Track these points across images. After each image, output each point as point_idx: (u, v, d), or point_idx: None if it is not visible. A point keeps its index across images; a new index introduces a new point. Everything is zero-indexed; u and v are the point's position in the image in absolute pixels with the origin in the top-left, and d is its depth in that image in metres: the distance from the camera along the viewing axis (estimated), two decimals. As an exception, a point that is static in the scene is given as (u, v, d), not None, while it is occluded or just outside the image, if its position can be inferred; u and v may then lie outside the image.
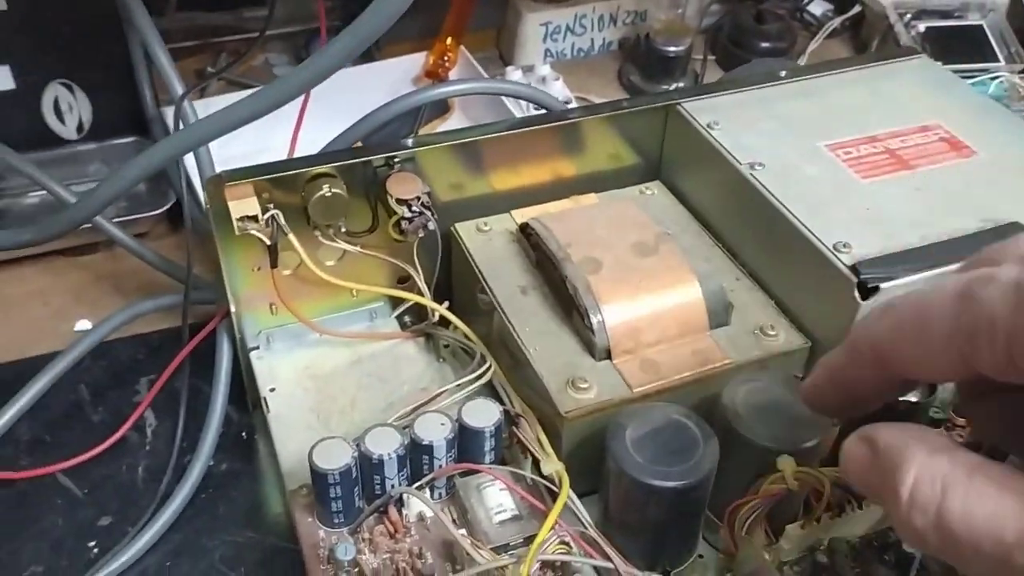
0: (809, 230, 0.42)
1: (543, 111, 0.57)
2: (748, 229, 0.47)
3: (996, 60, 0.75)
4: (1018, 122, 0.50)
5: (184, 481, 0.46)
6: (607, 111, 0.50)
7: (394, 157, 0.46)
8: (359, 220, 0.48)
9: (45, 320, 0.56)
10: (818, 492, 0.36)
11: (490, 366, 0.44)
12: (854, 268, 0.40)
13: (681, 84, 0.76)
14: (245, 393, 0.51)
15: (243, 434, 0.50)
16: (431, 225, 0.45)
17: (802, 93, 0.52)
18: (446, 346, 0.50)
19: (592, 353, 0.42)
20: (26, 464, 0.48)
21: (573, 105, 0.72)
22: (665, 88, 0.76)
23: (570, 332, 0.43)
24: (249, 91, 0.67)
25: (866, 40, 0.82)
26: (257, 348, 0.50)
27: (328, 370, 0.49)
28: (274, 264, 0.45)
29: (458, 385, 0.44)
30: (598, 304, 0.42)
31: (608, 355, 0.42)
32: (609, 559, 0.36)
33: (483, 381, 0.44)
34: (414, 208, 0.45)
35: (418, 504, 0.40)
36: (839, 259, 0.41)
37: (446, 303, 0.49)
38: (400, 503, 0.40)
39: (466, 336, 0.47)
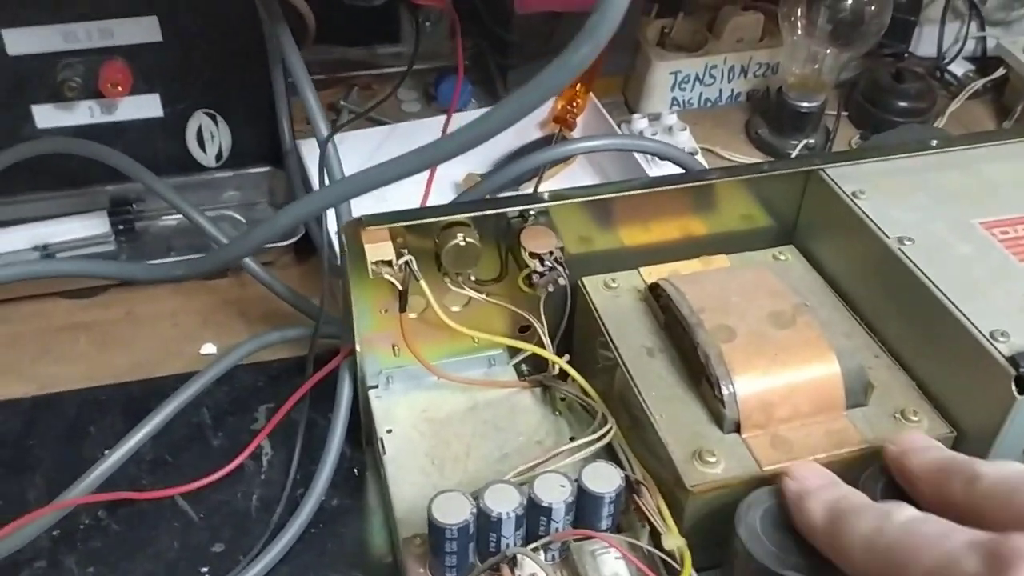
0: (964, 314, 0.40)
1: (676, 168, 0.56)
2: (892, 306, 0.45)
3: None
4: None
5: (296, 515, 0.47)
6: (746, 174, 0.48)
7: (529, 210, 0.46)
8: (488, 269, 0.47)
9: (173, 341, 0.58)
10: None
11: (611, 428, 0.43)
12: (1013, 360, 0.38)
13: (811, 140, 0.74)
14: (358, 428, 0.51)
15: (355, 470, 0.51)
16: (562, 280, 0.45)
17: (954, 164, 0.50)
18: (563, 399, 0.49)
19: (720, 425, 0.40)
20: (147, 484, 0.49)
21: (699, 156, 0.71)
22: (795, 143, 0.74)
23: (698, 401, 0.42)
24: (380, 127, 0.70)
25: (1009, 105, 0.79)
26: (376, 387, 0.50)
27: (444, 414, 0.49)
28: (403, 308, 0.45)
29: (578, 445, 0.43)
30: (730, 374, 0.40)
31: (737, 428, 0.40)
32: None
33: (604, 443, 0.43)
34: (546, 262, 0.44)
35: (531, 565, 0.39)
36: (996, 348, 0.38)
37: (566, 356, 0.48)
38: (513, 563, 0.39)
39: (585, 393, 0.46)
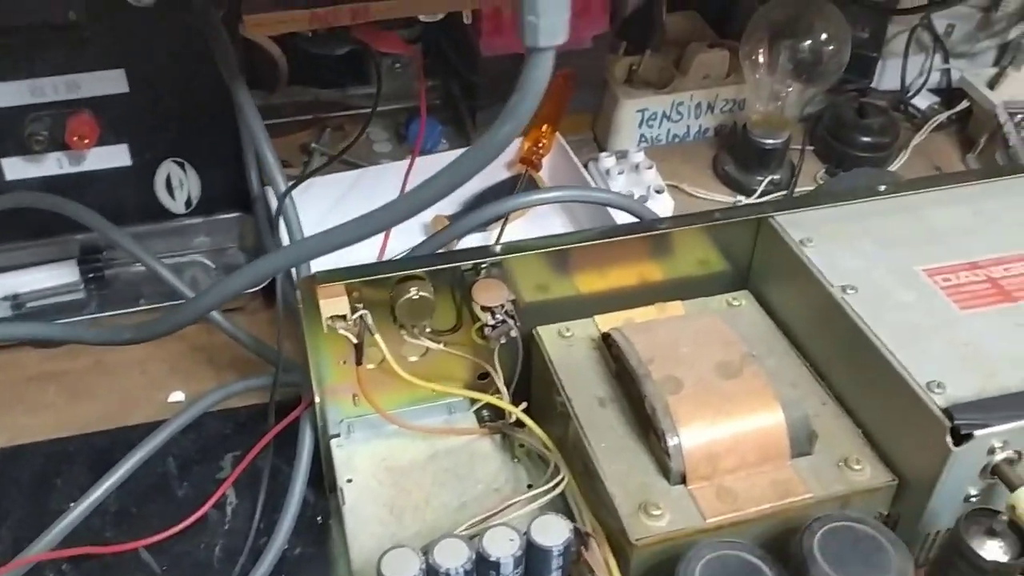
0: (902, 364, 0.41)
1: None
2: (837, 354, 0.45)
3: (1117, 166, 0.71)
4: None
5: (258, 566, 0.48)
6: (698, 223, 0.49)
7: (482, 263, 0.47)
8: (444, 319, 0.48)
9: (141, 390, 0.58)
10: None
11: (563, 478, 0.44)
12: (948, 412, 0.38)
13: (776, 176, 0.75)
14: (323, 476, 0.52)
15: (318, 518, 0.51)
16: (513, 333, 0.46)
17: (901, 210, 0.51)
18: (521, 446, 0.50)
19: (667, 476, 0.41)
20: (111, 537, 0.49)
21: (665, 194, 0.72)
22: (760, 179, 0.75)
23: (646, 451, 0.43)
24: (350, 172, 0.71)
25: (973, 137, 0.80)
26: (338, 436, 0.51)
27: (405, 463, 0.50)
28: (359, 361, 0.46)
29: (529, 496, 0.44)
30: (676, 427, 0.41)
31: (683, 480, 0.41)
32: None
33: (555, 493, 0.44)
34: (497, 315, 0.45)
35: (482, 619, 0.40)
36: (932, 400, 0.39)
37: (524, 404, 0.49)
38: (464, 617, 0.40)
39: (542, 442, 0.47)
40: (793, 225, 0.49)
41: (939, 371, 0.40)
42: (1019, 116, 0.74)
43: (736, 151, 0.76)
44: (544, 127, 0.72)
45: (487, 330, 0.45)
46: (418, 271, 0.46)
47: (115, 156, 0.61)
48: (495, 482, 0.48)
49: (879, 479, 0.41)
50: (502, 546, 0.39)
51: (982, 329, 0.43)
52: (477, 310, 0.45)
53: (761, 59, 0.71)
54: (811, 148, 0.79)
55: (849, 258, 0.47)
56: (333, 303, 0.44)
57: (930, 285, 0.45)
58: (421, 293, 0.45)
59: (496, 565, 0.39)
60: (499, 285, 0.46)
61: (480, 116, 0.77)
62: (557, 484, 0.44)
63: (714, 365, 0.44)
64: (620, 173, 0.73)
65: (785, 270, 0.49)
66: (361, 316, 0.44)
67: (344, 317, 0.44)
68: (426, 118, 0.76)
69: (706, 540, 0.38)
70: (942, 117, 0.81)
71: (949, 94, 0.84)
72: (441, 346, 0.48)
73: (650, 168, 0.74)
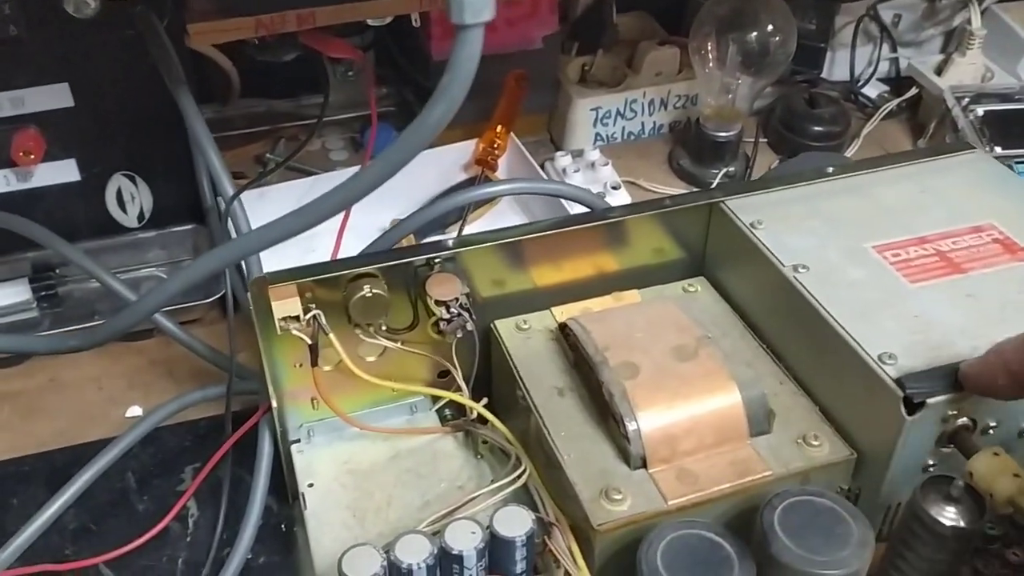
0: (854, 338, 0.41)
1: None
2: (792, 332, 0.46)
3: (1061, 144, 0.73)
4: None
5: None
6: (648, 210, 0.50)
7: (435, 258, 0.46)
8: (401, 317, 0.48)
9: (98, 406, 0.57)
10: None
11: (524, 470, 0.44)
12: (900, 382, 0.39)
13: (731, 168, 0.76)
14: (286, 482, 0.51)
15: (282, 526, 0.51)
16: (469, 326, 0.46)
17: (850, 190, 0.51)
18: (484, 442, 0.49)
19: (627, 461, 0.41)
20: (71, 554, 0.48)
21: (621, 190, 0.73)
22: (715, 172, 0.75)
23: (606, 438, 0.43)
24: (306, 179, 0.70)
25: (923, 123, 0.81)
26: (298, 441, 0.50)
27: (367, 465, 0.49)
28: (314, 363, 0.45)
29: (492, 489, 0.44)
30: (634, 412, 0.41)
31: (644, 464, 0.41)
32: None
33: (517, 485, 0.44)
34: (452, 309, 0.45)
35: (447, 614, 0.39)
36: (884, 371, 0.39)
37: (484, 400, 0.48)
38: (429, 612, 0.39)
39: (503, 436, 0.47)
40: (743, 209, 0.49)
41: (890, 343, 0.41)
42: (965, 100, 0.75)
43: (690, 145, 0.77)
44: (499, 128, 0.72)
45: (442, 324, 0.45)
46: (371, 268, 0.45)
47: (63, 171, 0.60)
48: (458, 479, 0.48)
49: (838, 454, 0.42)
50: (464, 539, 0.39)
51: (932, 301, 0.43)
52: (432, 305, 0.45)
53: (710, 53, 0.72)
54: (765, 140, 0.80)
55: (799, 238, 0.47)
56: (285, 304, 0.44)
57: (880, 261, 0.46)
58: (375, 290, 0.45)
59: (459, 558, 0.39)
60: (453, 279, 0.46)
61: (435, 120, 0.76)
62: (519, 476, 0.44)
63: (670, 349, 0.44)
64: (576, 171, 0.74)
65: (738, 253, 0.49)
66: (314, 316, 0.44)
67: (297, 318, 0.44)
68: (381, 124, 0.76)
69: (667, 521, 0.38)
70: (892, 105, 0.82)
71: (898, 82, 0.86)
72: (399, 344, 0.48)
73: (606, 165, 0.74)
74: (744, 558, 0.36)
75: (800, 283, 0.44)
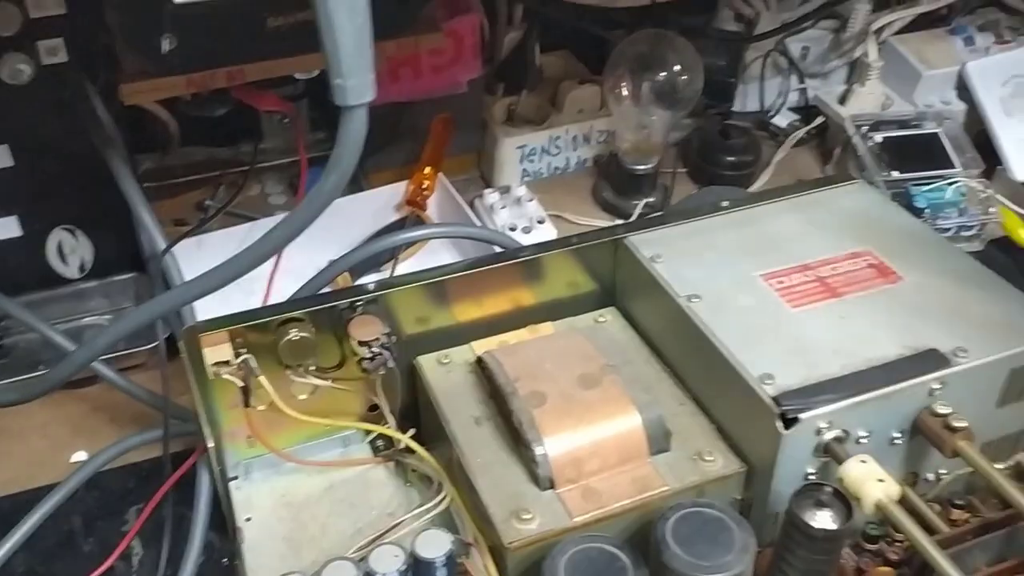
0: (738, 362, 0.45)
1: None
2: (689, 357, 0.50)
3: (952, 167, 0.78)
4: (945, 246, 0.53)
5: (164, 611, 0.49)
6: (556, 248, 0.53)
7: (357, 301, 0.50)
8: (329, 357, 0.51)
9: (44, 452, 0.60)
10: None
11: (445, 495, 0.47)
12: (776, 400, 0.43)
13: (651, 199, 0.80)
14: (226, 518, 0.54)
15: (224, 560, 0.53)
16: (390, 363, 0.49)
17: (742, 222, 0.55)
18: (413, 471, 0.52)
19: (537, 483, 0.45)
20: (19, 597, 0.51)
21: (547, 223, 0.77)
22: (636, 203, 0.80)
23: (518, 462, 0.46)
24: (243, 225, 0.73)
25: (831, 149, 0.86)
26: (236, 478, 0.53)
27: (302, 497, 0.52)
28: (247, 403, 0.48)
29: (416, 514, 0.47)
30: (541, 437, 0.45)
31: (552, 485, 0.44)
32: None
33: (439, 510, 0.47)
34: (374, 349, 0.48)
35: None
36: (764, 391, 0.43)
37: (412, 431, 0.52)
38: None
39: (428, 464, 0.50)
40: (644, 244, 0.53)
41: (770, 365, 0.45)
42: (864, 127, 0.80)
43: (612, 178, 0.81)
44: (427, 170, 0.76)
45: (365, 363, 0.49)
46: (296, 313, 0.49)
47: (5, 228, 0.63)
48: (388, 507, 0.51)
49: (729, 468, 0.45)
50: (387, 562, 0.42)
51: (810, 324, 0.48)
52: (354, 346, 0.49)
53: (623, 92, 0.76)
54: (684, 170, 0.85)
55: (694, 270, 0.51)
56: (216, 350, 0.47)
57: (766, 288, 0.50)
58: (301, 334, 0.48)
59: (382, 581, 0.42)
60: (374, 321, 0.49)
61: (369, 162, 0.80)
62: (440, 501, 0.47)
63: (576, 378, 0.48)
64: (503, 207, 0.78)
65: (641, 286, 0.53)
66: (245, 360, 0.47)
67: (228, 362, 0.47)
68: (316, 168, 0.80)
69: (570, 537, 0.41)
70: (800, 133, 0.87)
71: (807, 111, 0.91)
72: (329, 383, 0.51)
73: (531, 200, 0.78)
74: (639, 567, 0.40)
75: (693, 312, 0.48)
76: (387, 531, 0.46)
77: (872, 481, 0.41)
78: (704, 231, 0.55)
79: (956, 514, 0.47)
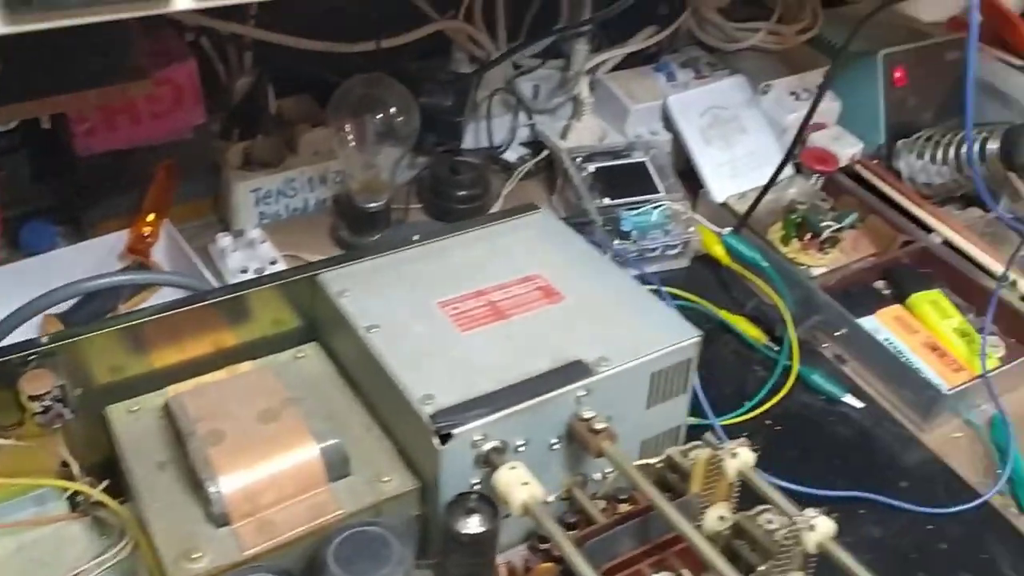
0: (404, 385, 0.48)
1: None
2: (372, 384, 0.53)
3: (657, 191, 0.86)
4: (608, 267, 0.59)
5: None
6: (246, 289, 0.55)
7: (30, 355, 0.49)
8: (7, 415, 0.50)
9: None
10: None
11: (125, 544, 0.48)
12: (433, 418, 0.46)
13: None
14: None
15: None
16: (67, 415, 0.49)
17: (430, 255, 0.59)
18: (109, 524, 0.52)
19: (213, 521, 0.46)
20: None
21: (279, 263, 0.78)
22: (371, 240, 0.82)
23: (197, 503, 0.47)
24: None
25: (556, 180, 0.93)
26: (-83, 548, 0.51)
27: (-9, 561, 0.51)
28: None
29: (97, 563, 0.47)
30: (215, 475, 0.46)
31: (227, 521, 0.46)
32: None
33: (119, 559, 0.47)
34: (45, 402, 0.48)
35: None
36: (423, 411, 0.47)
37: (105, 483, 0.51)
38: None
39: (116, 514, 0.50)
40: (334, 280, 0.56)
41: (432, 386, 0.48)
42: (579, 159, 0.87)
43: (347, 217, 0.84)
44: (150, 216, 0.75)
45: (38, 418, 0.48)
46: (-39, 372, 0.48)
47: None
48: (80, 562, 0.51)
49: (404, 487, 0.48)
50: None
51: (475, 346, 0.52)
52: (25, 401, 0.48)
53: (347, 134, 0.79)
54: (419, 206, 0.88)
55: (377, 302, 0.54)
56: None
57: (440, 315, 0.54)
58: (-32, 393, 0.47)
59: (45, 636, 0.42)
60: (46, 374, 0.49)
61: (91, 213, 0.79)
62: (121, 549, 0.47)
63: (256, 414, 0.49)
64: (235, 251, 0.78)
65: (331, 319, 0.55)
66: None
67: None
68: (39, 220, 0.78)
69: (234, 571, 0.43)
70: (528, 166, 0.93)
71: (537, 146, 0.97)
72: (11, 440, 0.50)
73: (264, 242, 0.79)
74: (296, 592, 0.42)
75: (370, 341, 0.51)
76: (66, 585, 0.46)
77: (518, 486, 0.45)
78: (394, 265, 0.58)
79: (622, 508, 0.52)
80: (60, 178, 0.80)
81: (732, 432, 0.68)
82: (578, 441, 0.49)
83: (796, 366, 0.74)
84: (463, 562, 0.44)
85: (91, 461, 0.53)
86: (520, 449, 0.48)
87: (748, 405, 0.71)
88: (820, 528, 0.43)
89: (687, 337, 0.52)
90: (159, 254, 0.76)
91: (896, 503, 0.65)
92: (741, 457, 0.47)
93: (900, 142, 0.96)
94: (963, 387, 0.72)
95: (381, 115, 0.78)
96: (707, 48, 1.02)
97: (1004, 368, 0.75)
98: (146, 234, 0.74)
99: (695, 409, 0.62)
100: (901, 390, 0.74)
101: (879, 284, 0.85)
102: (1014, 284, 0.83)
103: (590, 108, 0.93)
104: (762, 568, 0.45)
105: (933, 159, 0.92)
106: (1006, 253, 0.87)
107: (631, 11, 1.02)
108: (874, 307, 0.81)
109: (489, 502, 0.44)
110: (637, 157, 0.89)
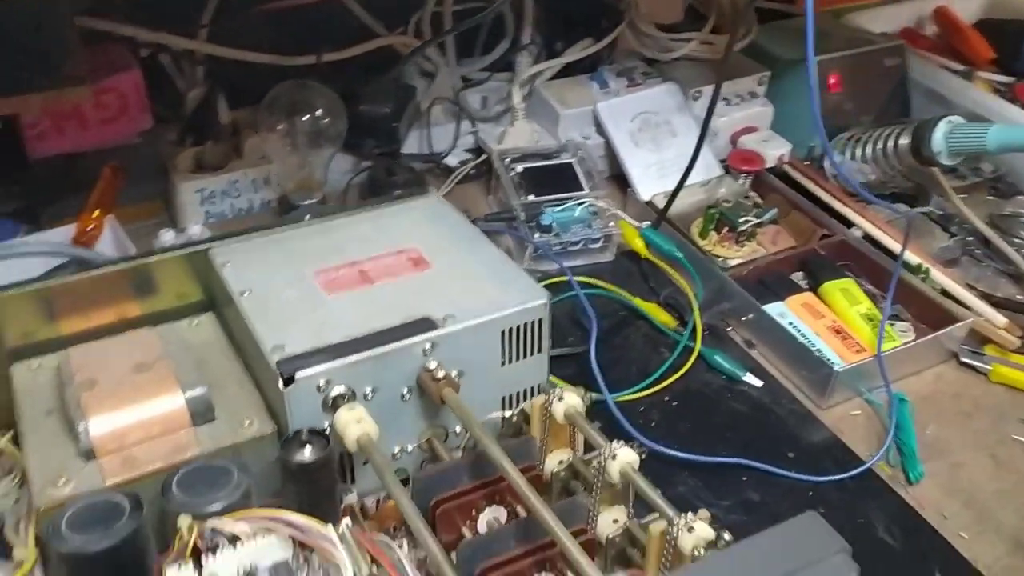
0: (260, 337, 0.53)
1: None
2: (245, 341, 0.57)
3: (582, 189, 0.90)
4: (482, 243, 0.63)
5: None
6: (136, 261, 0.60)
7: (-61, 313, 0.55)
8: (-81, 369, 0.56)
9: None
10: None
11: (15, 477, 0.53)
12: (279, 364, 0.51)
13: (320, 231, 0.88)
14: None
15: None
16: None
17: (319, 232, 0.64)
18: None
19: (83, 456, 0.51)
20: None
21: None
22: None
23: (72, 442, 0.52)
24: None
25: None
26: None
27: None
28: None
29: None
30: (85, 415, 0.51)
31: (94, 456, 0.51)
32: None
33: (10, 488, 0.52)
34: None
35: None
36: (271, 358, 0.51)
37: (11, 432, 0.57)
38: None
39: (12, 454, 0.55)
40: (220, 252, 0.61)
41: (286, 339, 0.53)
42: (508, 160, 0.92)
43: (285, 216, 0.89)
44: (95, 213, 0.82)
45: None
46: None
47: None
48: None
49: (261, 430, 0.53)
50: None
51: (338, 306, 0.56)
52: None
53: (276, 136, 0.85)
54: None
55: (256, 272, 0.59)
56: None
57: (312, 282, 0.58)
58: None
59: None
60: (-53, 330, 0.55)
61: (48, 212, 0.85)
62: (12, 481, 0.52)
63: (132, 366, 0.54)
64: (177, 245, 0.84)
65: (218, 288, 0.60)
66: None
67: None
68: (3, 220, 0.85)
69: (81, 495, 0.47)
70: (466, 169, 0.98)
71: (479, 152, 1.02)
72: (-76, 394, 0.56)
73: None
74: (136, 509, 0.46)
75: (240, 302, 0.56)
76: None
77: (353, 423, 0.49)
78: (282, 240, 0.63)
79: (479, 459, 0.56)
80: (15, 180, 0.87)
81: (630, 408, 0.72)
82: (424, 389, 0.53)
83: (699, 347, 0.78)
84: (300, 490, 0.48)
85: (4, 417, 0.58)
86: (369, 396, 0.53)
87: (646, 382, 0.74)
88: (621, 457, 0.47)
89: (535, 299, 0.56)
90: (104, 247, 0.83)
91: (777, 470, 0.67)
92: (567, 401, 0.51)
93: (829, 142, 1.00)
94: (856, 365, 0.74)
95: (307, 117, 0.84)
96: (646, 59, 1.07)
97: (900, 348, 0.77)
98: (90, 228, 0.81)
99: (595, 387, 0.66)
100: (800, 370, 0.76)
101: (796, 275, 0.88)
102: (927, 273, 0.85)
103: (523, 114, 0.98)
104: (579, 497, 0.49)
105: (853, 156, 0.95)
106: (926, 247, 0.90)
107: (575, 25, 1.08)
108: (786, 295, 0.84)
109: (323, 435, 0.49)
110: (565, 159, 0.93)
